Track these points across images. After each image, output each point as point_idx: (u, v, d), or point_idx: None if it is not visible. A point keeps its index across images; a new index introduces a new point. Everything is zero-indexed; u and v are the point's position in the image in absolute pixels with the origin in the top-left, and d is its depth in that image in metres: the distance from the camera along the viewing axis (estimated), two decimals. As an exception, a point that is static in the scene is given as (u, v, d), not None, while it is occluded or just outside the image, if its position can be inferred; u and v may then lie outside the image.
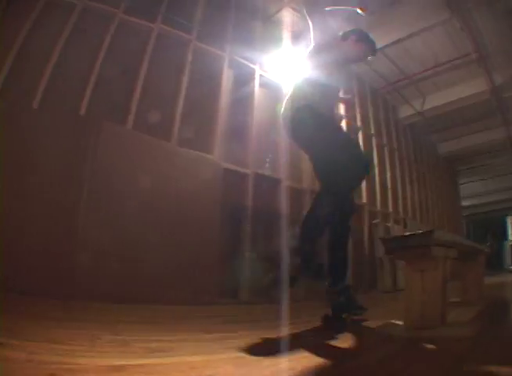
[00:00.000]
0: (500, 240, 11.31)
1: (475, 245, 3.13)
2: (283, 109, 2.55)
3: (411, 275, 1.80)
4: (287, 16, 6.02)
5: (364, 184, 6.99)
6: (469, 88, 8.77)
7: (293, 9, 5.83)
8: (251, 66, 5.48)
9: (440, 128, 11.05)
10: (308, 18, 2.61)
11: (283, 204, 5.00)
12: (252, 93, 5.38)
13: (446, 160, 12.94)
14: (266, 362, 1.35)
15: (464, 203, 16.49)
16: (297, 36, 5.95)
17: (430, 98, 9.26)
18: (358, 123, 7.65)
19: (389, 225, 7.40)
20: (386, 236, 1.80)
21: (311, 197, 5.35)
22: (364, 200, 7.07)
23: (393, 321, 2.09)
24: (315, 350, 1.52)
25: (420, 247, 1.73)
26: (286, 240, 3.87)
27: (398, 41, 7.26)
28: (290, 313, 2.27)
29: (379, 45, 6.94)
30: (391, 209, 7.98)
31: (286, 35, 6.05)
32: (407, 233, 1.83)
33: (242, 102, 5.19)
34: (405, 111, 9.70)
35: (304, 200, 5.56)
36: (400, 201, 8.54)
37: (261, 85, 5.58)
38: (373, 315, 2.32)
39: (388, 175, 8.37)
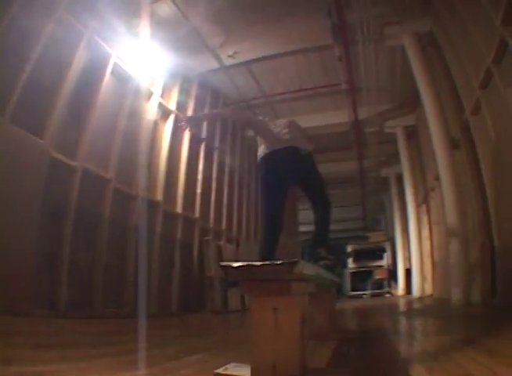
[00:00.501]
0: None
1: (333, 277, 2.95)
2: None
3: (260, 314, 1.45)
4: (162, 9, 5.65)
5: (198, 199, 6.96)
6: (328, 118, 9.42)
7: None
8: (109, 50, 4.92)
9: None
10: None
11: (107, 207, 4.56)
12: (102, 80, 4.81)
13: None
14: None
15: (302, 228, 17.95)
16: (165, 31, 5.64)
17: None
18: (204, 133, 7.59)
19: (221, 243, 7.43)
20: (228, 262, 1.34)
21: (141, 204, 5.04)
22: (197, 214, 6.96)
23: (236, 364, 1.66)
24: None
25: (275, 280, 1.42)
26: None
27: (269, 57, 7.35)
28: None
29: (247, 57, 7.24)
30: (224, 227, 8.04)
31: (150, 29, 5.62)
32: (257, 262, 1.45)
33: (89, 87, 4.58)
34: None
35: (131, 207, 5.15)
36: (235, 220, 8.70)
37: (114, 74, 5.10)
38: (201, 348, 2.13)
39: (226, 191, 8.43)
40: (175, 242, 6.00)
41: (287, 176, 3.02)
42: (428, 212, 8.95)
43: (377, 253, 12.86)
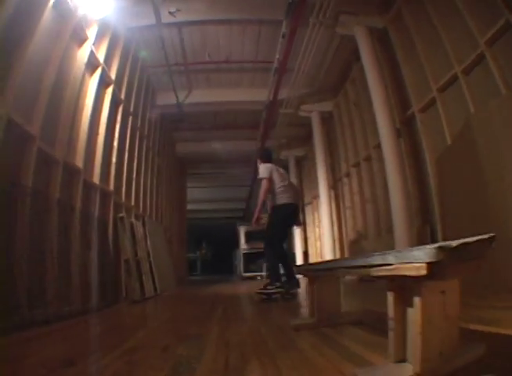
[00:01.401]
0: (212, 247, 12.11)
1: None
2: None
3: (429, 298, 1.24)
4: None
5: (112, 169, 6.07)
6: (245, 94, 9.17)
7: None
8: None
9: (193, 126, 11.17)
10: None
11: (28, 174, 3.56)
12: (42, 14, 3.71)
13: (179, 161, 13.16)
14: None
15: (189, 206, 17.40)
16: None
17: (197, 93, 9.12)
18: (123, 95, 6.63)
19: (133, 221, 6.60)
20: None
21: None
22: (111, 187, 6.03)
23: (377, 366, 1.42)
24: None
25: (476, 258, 1.27)
26: None
27: (205, 22, 6.84)
28: None
29: (187, 17, 6.50)
30: (133, 203, 7.20)
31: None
32: (471, 239, 1.19)
33: (25, 23, 3.46)
34: (164, 99, 9.20)
35: (53, 174, 4.13)
36: (141, 196, 7.88)
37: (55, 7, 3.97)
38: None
39: (135, 163, 7.56)
40: (93, 218, 5.06)
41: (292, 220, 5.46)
42: (338, 197, 9.33)
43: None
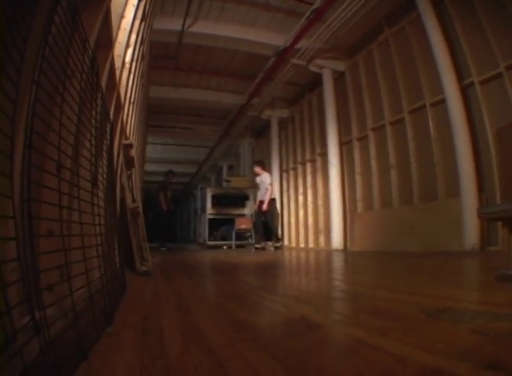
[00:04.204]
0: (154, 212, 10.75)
1: None
2: None
3: None
4: None
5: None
6: (259, 36, 8.15)
7: None
8: None
9: (181, 66, 9.84)
10: None
11: None
12: None
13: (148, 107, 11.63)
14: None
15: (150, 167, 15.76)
16: None
17: (203, 24, 7.86)
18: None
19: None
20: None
21: None
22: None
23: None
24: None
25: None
26: None
27: None
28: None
29: None
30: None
31: None
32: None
33: None
34: (164, 23, 7.63)
35: None
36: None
37: None
38: None
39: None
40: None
41: None
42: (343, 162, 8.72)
43: (239, 200, 11.93)
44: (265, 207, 8.79)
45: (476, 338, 1.09)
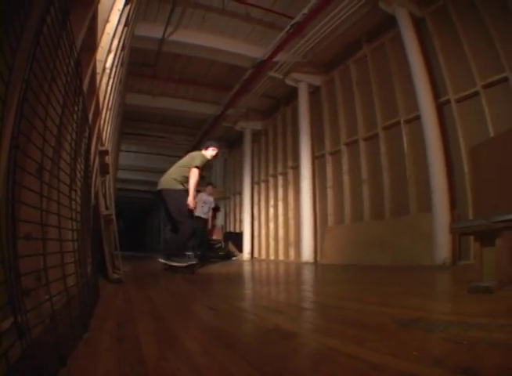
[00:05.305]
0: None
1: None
2: None
3: None
4: None
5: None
6: (238, 48, 8.20)
7: None
8: None
9: (158, 74, 9.76)
10: None
11: None
12: None
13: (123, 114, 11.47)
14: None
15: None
16: None
17: (184, 33, 7.83)
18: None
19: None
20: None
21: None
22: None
23: None
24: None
25: None
26: None
27: None
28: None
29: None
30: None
31: None
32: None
33: None
34: (145, 30, 7.56)
35: None
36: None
37: None
38: None
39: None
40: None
41: None
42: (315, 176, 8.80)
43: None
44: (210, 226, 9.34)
45: (450, 346, 1.13)
